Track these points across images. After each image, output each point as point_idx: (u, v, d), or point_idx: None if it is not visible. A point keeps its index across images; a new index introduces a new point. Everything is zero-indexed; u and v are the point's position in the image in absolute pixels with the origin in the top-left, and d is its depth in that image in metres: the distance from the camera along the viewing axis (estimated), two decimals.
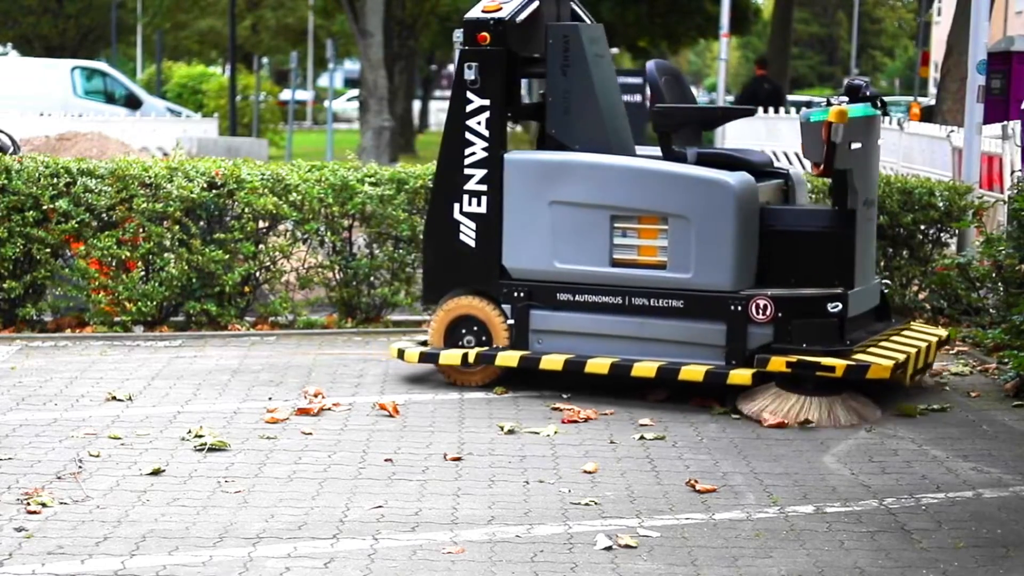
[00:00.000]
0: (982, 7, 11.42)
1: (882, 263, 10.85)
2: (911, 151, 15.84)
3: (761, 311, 7.85)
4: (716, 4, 27.71)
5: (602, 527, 5.88)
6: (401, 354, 8.64)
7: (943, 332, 8.85)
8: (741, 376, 7.79)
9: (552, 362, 8.18)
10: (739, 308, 7.88)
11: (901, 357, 7.86)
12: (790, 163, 19.91)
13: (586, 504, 6.20)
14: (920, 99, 34.81)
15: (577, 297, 8.25)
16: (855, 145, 7.94)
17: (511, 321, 8.39)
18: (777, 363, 7.75)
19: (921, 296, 10.95)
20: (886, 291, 8.50)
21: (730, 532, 5.87)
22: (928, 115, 22.08)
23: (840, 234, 8.00)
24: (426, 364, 8.62)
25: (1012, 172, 11.03)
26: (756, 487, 6.52)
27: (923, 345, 8.28)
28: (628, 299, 8.13)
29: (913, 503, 6.31)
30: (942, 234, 11.02)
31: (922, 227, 10.89)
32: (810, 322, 7.83)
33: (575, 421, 7.62)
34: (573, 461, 6.88)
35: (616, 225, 8.17)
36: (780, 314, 7.81)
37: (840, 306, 7.84)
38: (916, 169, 14.49)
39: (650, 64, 8.54)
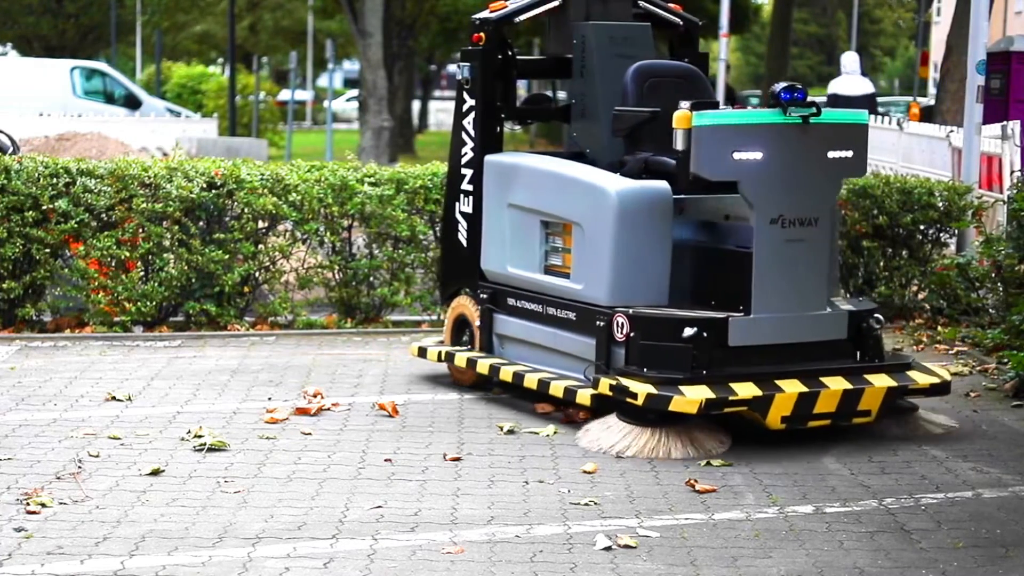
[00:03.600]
0: (982, 7, 11.42)
1: (881, 263, 10.86)
2: (910, 151, 15.84)
3: (619, 329, 7.30)
4: (716, 4, 27.71)
5: (602, 527, 5.87)
6: (424, 352, 8.64)
7: (923, 379, 7.48)
8: (583, 396, 7.36)
9: (482, 366, 8.16)
10: (603, 324, 7.40)
11: (743, 394, 6.94)
12: None
13: (586, 504, 6.20)
14: (920, 99, 34.79)
15: (519, 303, 8.07)
16: (742, 155, 7.15)
17: (477, 323, 8.38)
18: (603, 385, 7.22)
19: (921, 296, 10.96)
20: (877, 325, 7.49)
21: (730, 532, 5.87)
22: (928, 115, 22.09)
23: (736, 253, 7.34)
24: (422, 363, 8.64)
25: (1011, 172, 11.03)
26: (755, 487, 6.52)
27: (833, 389, 7.14)
28: (545, 308, 7.88)
29: (912, 503, 6.31)
30: (941, 234, 11.04)
31: (921, 227, 10.90)
32: (659, 345, 7.16)
33: (575, 421, 7.62)
34: (573, 461, 6.87)
35: (547, 231, 7.92)
36: (632, 334, 7.25)
37: (695, 331, 7.08)
38: (916, 169, 14.49)
39: (633, 67, 7.96)
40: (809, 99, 7.25)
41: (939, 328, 10.40)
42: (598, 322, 7.41)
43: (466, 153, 8.39)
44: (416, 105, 51.25)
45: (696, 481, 6.53)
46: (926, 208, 10.80)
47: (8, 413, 7.71)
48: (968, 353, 9.68)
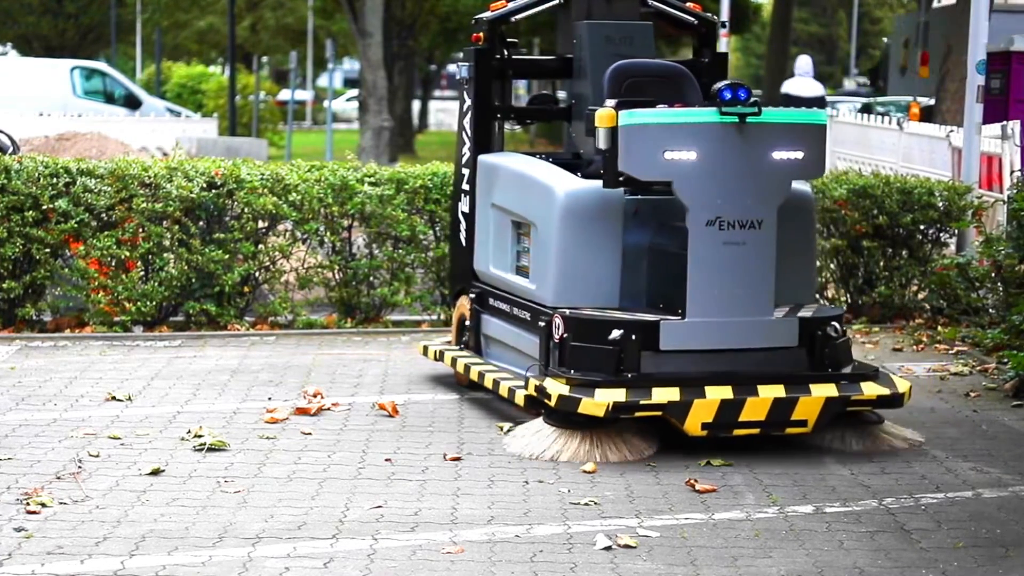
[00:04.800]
0: (982, 7, 11.43)
1: (881, 263, 10.86)
2: (910, 151, 15.84)
3: (557, 330, 7.17)
4: (715, 3, 27.71)
5: (601, 527, 5.87)
6: (426, 351, 8.65)
7: (873, 393, 7.16)
8: (519, 397, 7.31)
9: (460, 364, 8.17)
10: (544, 325, 7.29)
11: (657, 399, 6.82)
12: None
13: (585, 504, 6.20)
14: (919, 99, 34.77)
15: (497, 304, 8.01)
16: (674, 155, 6.97)
17: (468, 323, 8.37)
18: (530, 386, 7.16)
19: (921, 296, 10.97)
20: (834, 333, 7.20)
21: (729, 532, 5.87)
22: (927, 115, 22.10)
23: (679, 256, 7.09)
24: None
25: (1011, 172, 11.04)
26: (755, 487, 6.52)
27: (762, 397, 6.93)
28: (512, 308, 7.81)
29: (912, 503, 6.31)
30: (941, 234, 11.04)
31: (921, 227, 10.91)
32: (587, 347, 7.01)
33: None
34: (573, 461, 6.87)
35: (518, 232, 7.83)
36: (565, 335, 7.11)
37: (621, 333, 6.95)
38: (915, 169, 14.49)
39: (612, 66, 7.80)
40: (753, 98, 7.08)
41: (939, 328, 10.40)
42: (540, 322, 7.35)
43: (464, 153, 8.40)
44: (416, 105, 51.25)
45: (696, 481, 6.53)
46: (926, 208, 10.80)
47: (8, 413, 7.71)
48: (968, 353, 9.68)
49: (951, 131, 14.14)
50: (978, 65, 11.31)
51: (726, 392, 6.91)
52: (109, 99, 30.59)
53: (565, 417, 6.93)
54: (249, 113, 36.22)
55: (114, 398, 8.08)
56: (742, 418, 6.92)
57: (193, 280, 10.16)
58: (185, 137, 24.53)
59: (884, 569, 5.46)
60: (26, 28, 44.64)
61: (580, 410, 6.81)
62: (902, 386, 7.21)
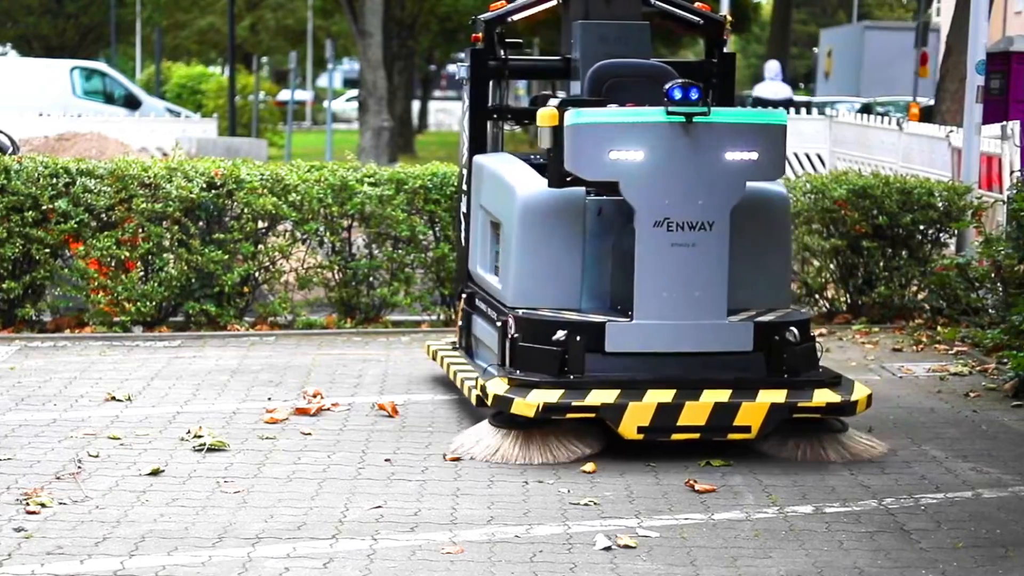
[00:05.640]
0: (981, 7, 11.43)
1: (881, 263, 10.86)
2: (910, 151, 15.84)
3: (510, 330, 7.12)
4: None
5: (601, 527, 5.87)
6: (428, 350, 8.65)
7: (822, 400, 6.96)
8: (472, 396, 7.32)
9: (444, 363, 8.17)
10: (501, 325, 7.26)
11: (591, 401, 6.74)
12: (789, 163, 19.91)
13: (585, 504, 6.20)
14: (919, 99, 34.80)
15: (481, 304, 7.96)
16: (620, 154, 6.87)
17: (460, 324, 8.35)
18: (478, 386, 7.15)
19: (920, 296, 10.97)
20: (792, 339, 7.04)
21: (729, 532, 5.87)
22: (927, 115, 22.11)
23: (630, 256, 6.98)
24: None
25: (1011, 172, 11.04)
26: (755, 487, 6.52)
27: (702, 402, 6.80)
28: (487, 308, 7.74)
29: (912, 503, 6.31)
30: (941, 234, 11.04)
31: (921, 227, 10.91)
32: (533, 347, 6.96)
33: None
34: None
35: (496, 232, 7.74)
36: (516, 335, 7.07)
37: (565, 334, 6.90)
38: (915, 169, 14.49)
39: (593, 67, 7.69)
40: (700, 98, 6.92)
41: (939, 328, 10.40)
42: (498, 322, 7.34)
43: (463, 153, 8.39)
44: (416, 105, 51.27)
45: (696, 481, 6.53)
46: (926, 208, 10.81)
47: (8, 413, 7.71)
48: (968, 353, 9.68)
49: (951, 131, 14.14)
50: (978, 65, 11.31)
51: (665, 396, 6.80)
52: (109, 99, 30.58)
53: (509, 418, 6.88)
54: (249, 113, 36.22)
55: (114, 398, 8.08)
56: (681, 422, 6.79)
57: (193, 280, 10.16)
58: (185, 137, 24.52)
59: (884, 569, 5.46)
60: (26, 28, 44.66)
61: (513, 410, 6.77)
62: (858, 394, 7.00)
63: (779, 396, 6.87)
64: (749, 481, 6.61)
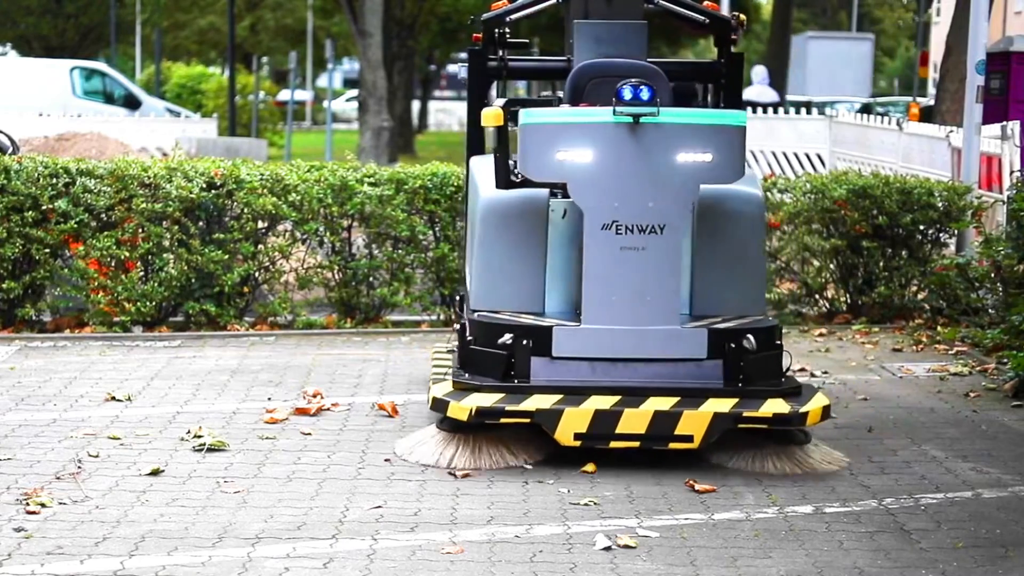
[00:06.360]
0: (981, 7, 11.43)
1: (881, 263, 10.86)
2: (910, 151, 15.85)
3: (465, 334, 7.00)
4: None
5: (601, 527, 5.87)
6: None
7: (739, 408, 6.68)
8: (429, 400, 7.07)
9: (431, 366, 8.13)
10: (460, 328, 7.15)
11: (525, 406, 6.59)
12: (789, 164, 19.92)
13: (585, 504, 6.19)
14: (919, 99, 34.80)
15: (462, 307, 7.88)
16: (567, 155, 6.74)
17: (455, 326, 8.31)
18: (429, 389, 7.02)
19: (920, 296, 10.97)
20: (748, 346, 6.79)
21: (729, 532, 5.87)
22: (927, 115, 22.12)
23: (580, 259, 6.88)
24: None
25: (1011, 172, 11.04)
26: (755, 487, 6.52)
27: (642, 410, 6.62)
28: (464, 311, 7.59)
29: (912, 503, 6.31)
30: (941, 234, 11.05)
31: (921, 227, 10.92)
32: (482, 351, 6.83)
33: None
34: (573, 461, 6.87)
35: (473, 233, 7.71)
36: (470, 338, 6.95)
37: (512, 338, 6.76)
38: (915, 169, 14.50)
39: (576, 66, 7.55)
40: (652, 98, 6.71)
41: (939, 328, 10.40)
42: (456, 325, 7.21)
43: (464, 154, 8.39)
44: (416, 105, 51.28)
45: (696, 481, 6.53)
46: (926, 208, 10.81)
47: (8, 413, 7.71)
48: (968, 353, 9.68)
49: (951, 131, 14.14)
50: (978, 65, 11.31)
51: (604, 402, 6.64)
52: (109, 99, 30.58)
53: (455, 422, 6.74)
54: (249, 113, 36.24)
55: (114, 398, 8.08)
56: (620, 430, 6.61)
57: (193, 280, 10.16)
58: (185, 137, 24.52)
59: (884, 569, 5.46)
60: (26, 28, 44.63)
61: (448, 413, 6.68)
62: (812, 406, 6.72)
63: (725, 405, 6.64)
64: (749, 481, 6.61)
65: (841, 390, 8.57)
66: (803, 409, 6.67)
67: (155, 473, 6.57)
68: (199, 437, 7.12)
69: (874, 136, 17.67)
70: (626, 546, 5.65)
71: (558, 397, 6.68)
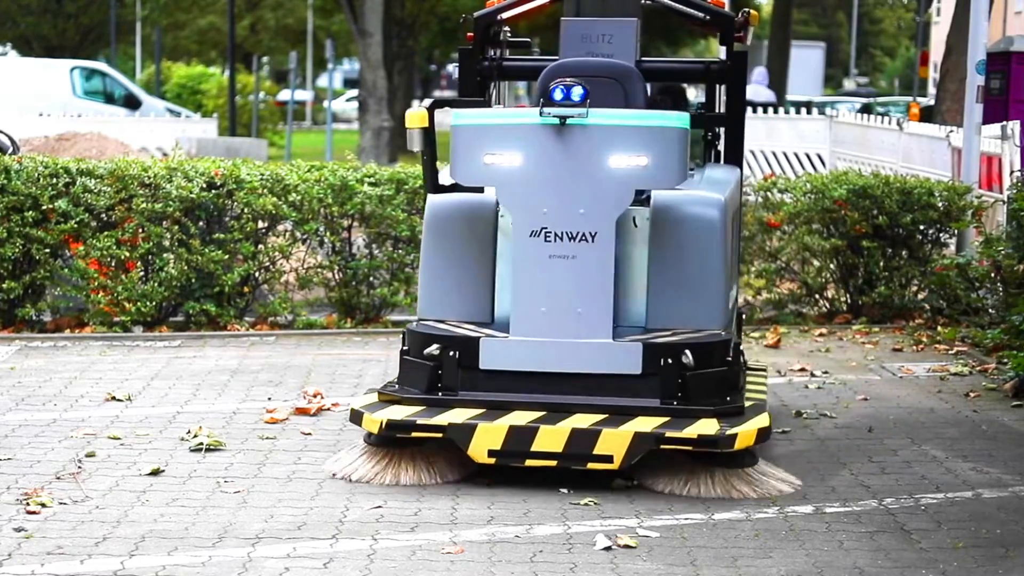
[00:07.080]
0: (981, 7, 11.44)
1: (881, 263, 10.86)
2: (910, 151, 15.85)
3: (403, 343, 6.74)
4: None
5: (601, 527, 5.87)
6: None
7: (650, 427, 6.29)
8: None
9: None
10: (402, 338, 6.82)
11: (437, 420, 6.29)
12: (789, 164, 19.92)
13: (585, 504, 6.19)
14: (919, 99, 34.82)
15: None
16: (494, 158, 6.47)
17: None
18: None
19: (921, 296, 10.97)
20: (686, 361, 6.37)
21: (729, 532, 5.87)
22: (927, 115, 22.12)
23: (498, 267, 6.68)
24: None
25: (1011, 172, 11.04)
26: None
27: (559, 428, 6.26)
28: None
29: (912, 503, 6.30)
30: (941, 234, 11.05)
31: (921, 227, 10.92)
32: (412, 362, 6.58)
33: None
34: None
35: None
36: (405, 348, 6.68)
37: (438, 349, 6.48)
38: (915, 169, 14.50)
39: (549, 66, 7.33)
40: (584, 100, 6.40)
41: (939, 328, 10.40)
42: (401, 335, 6.92)
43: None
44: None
45: None
46: (926, 208, 10.81)
47: (8, 413, 7.71)
48: (968, 353, 9.68)
49: (951, 131, 14.14)
50: (978, 65, 11.32)
51: (521, 418, 6.31)
52: (109, 99, 30.59)
53: (381, 436, 6.45)
54: (249, 113, 36.24)
55: (114, 398, 8.08)
56: (535, 448, 6.25)
57: (193, 280, 10.17)
58: (185, 137, 24.54)
59: (884, 569, 5.46)
60: (26, 28, 44.63)
61: (362, 426, 6.45)
62: (745, 428, 6.27)
63: (648, 425, 6.26)
64: None
65: (841, 390, 8.57)
66: (731, 431, 6.22)
67: (155, 473, 6.57)
68: (199, 437, 7.12)
69: (874, 136, 17.66)
70: (626, 546, 5.65)
71: (477, 412, 6.38)
